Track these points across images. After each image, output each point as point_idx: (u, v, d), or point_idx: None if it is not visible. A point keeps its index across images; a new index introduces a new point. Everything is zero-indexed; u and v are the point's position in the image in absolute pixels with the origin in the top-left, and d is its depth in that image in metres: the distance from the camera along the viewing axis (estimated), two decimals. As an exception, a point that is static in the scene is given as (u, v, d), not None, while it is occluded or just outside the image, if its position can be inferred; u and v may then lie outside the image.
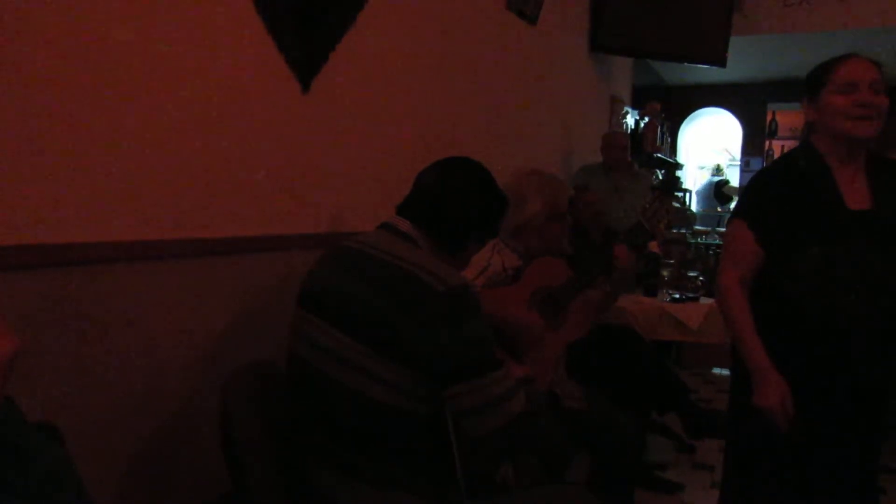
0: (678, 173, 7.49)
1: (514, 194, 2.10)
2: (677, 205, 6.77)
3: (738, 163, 8.08)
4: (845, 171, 1.69)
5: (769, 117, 7.68)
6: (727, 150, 8.44)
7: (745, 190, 1.84)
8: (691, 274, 3.77)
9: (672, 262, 3.94)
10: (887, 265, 1.62)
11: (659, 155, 6.22)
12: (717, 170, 8.14)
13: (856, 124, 1.63)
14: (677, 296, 3.39)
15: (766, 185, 1.76)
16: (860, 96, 1.62)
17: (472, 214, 1.47)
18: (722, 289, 1.74)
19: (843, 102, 1.64)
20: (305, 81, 1.88)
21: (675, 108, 7.83)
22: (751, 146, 7.92)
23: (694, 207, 7.78)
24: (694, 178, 8.43)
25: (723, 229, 6.85)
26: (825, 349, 1.65)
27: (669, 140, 7.08)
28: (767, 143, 7.69)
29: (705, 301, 3.35)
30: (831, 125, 1.67)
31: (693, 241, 5.98)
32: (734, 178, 8.05)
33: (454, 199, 1.45)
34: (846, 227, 1.64)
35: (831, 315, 1.62)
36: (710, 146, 8.51)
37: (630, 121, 5.75)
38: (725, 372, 4.73)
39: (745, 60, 6.20)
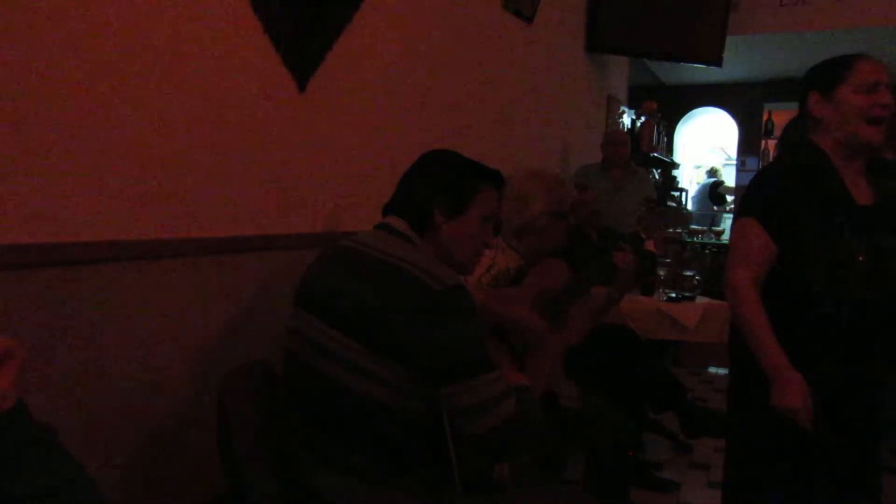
0: (674, 172, 7.50)
1: (518, 194, 2.13)
2: (673, 204, 6.79)
3: (735, 162, 8.10)
4: (849, 169, 1.69)
5: (765, 117, 7.70)
6: (723, 150, 8.46)
7: (750, 188, 1.79)
8: (687, 273, 3.77)
9: (668, 261, 3.94)
10: None
11: (655, 154, 6.23)
12: (713, 172, 8.13)
13: (869, 129, 1.62)
14: (674, 295, 3.40)
15: (774, 183, 1.73)
16: (882, 97, 1.61)
17: (431, 182, 1.45)
18: (734, 288, 1.70)
19: (864, 103, 1.62)
20: (302, 81, 1.88)
21: (672, 107, 7.83)
22: (747, 145, 7.94)
23: (690, 207, 7.80)
24: (690, 177, 8.45)
25: (718, 228, 6.89)
26: (839, 343, 1.64)
27: (666, 139, 7.09)
28: (763, 142, 7.70)
29: (702, 300, 3.36)
30: (845, 125, 1.65)
31: (689, 240, 5.99)
32: (730, 177, 8.07)
33: (416, 176, 1.48)
34: (858, 222, 1.64)
35: (847, 308, 1.62)
36: (706, 145, 8.53)
37: (626, 120, 5.76)
38: (722, 371, 4.75)
39: (741, 60, 6.21)
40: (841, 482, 1.71)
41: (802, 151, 1.73)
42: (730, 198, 7.72)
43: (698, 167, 8.49)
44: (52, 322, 1.29)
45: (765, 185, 1.75)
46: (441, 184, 1.43)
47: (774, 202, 1.69)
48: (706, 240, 6.40)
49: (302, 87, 1.89)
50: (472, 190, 1.45)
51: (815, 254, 1.63)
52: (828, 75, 1.69)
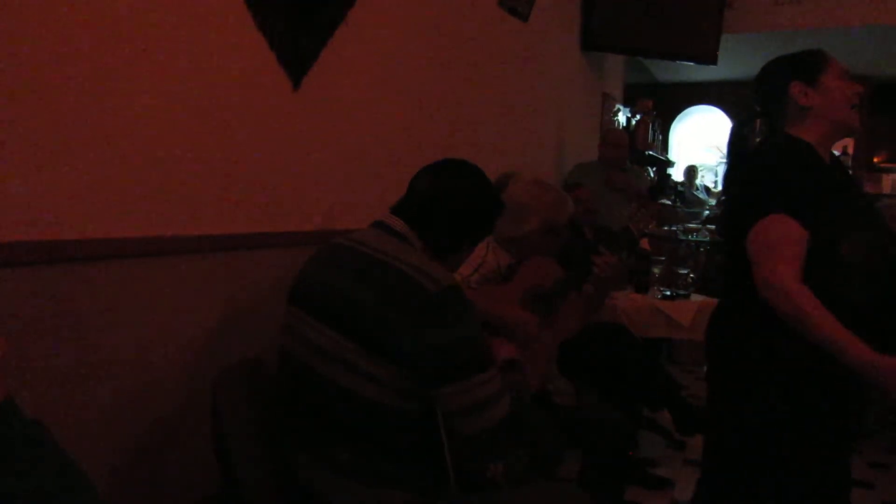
0: (669, 170, 7.52)
1: (515, 207, 2.05)
2: (667, 202, 6.80)
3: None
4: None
5: (760, 115, 7.71)
6: (718, 148, 8.47)
7: (760, 185, 1.63)
8: (682, 271, 3.79)
9: (663, 259, 3.95)
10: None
11: (650, 152, 6.25)
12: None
13: (853, 113, 1.63)
14: (668, 293, 3.41)
15: (790, 175, 1.61)
16: (855, 85, 1.63)
17: (467, 219, 1.47)
18: (785, 289, 1.50)
19: (849, 89, 1.63)
20: (296, 78, 1.88)
21: (667, 105, 7.85)
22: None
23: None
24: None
25: (713, 227, 6.89)
26: (872, 340, 1.52)
27: (661, 137, 7.11)
28: (759, 140, 7.71)
29: (696, 298, 3.36)
30: (835, 112, 1.63)
31: (684, 237, 6.00)
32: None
33: (448, 204, 1.44)
34: (863, 213, 1.62)
35: (878, 303, 1.56)
36: (701, 143, 8.55)
37: (622, 118, 5.76)
38: (716, 368, 4.76)
39: (736, 58, 6.21)
40: (823, 477, 1.71)
41: (786, 146, 1.66)
42: None
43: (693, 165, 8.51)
44: (46, 320, 1.28)
45: (779, 178, 1.62)
46: (476, 223, 1.51)
47: (797, 194, 1.57)
48: (701, 237, 6.41)
49: (296, 84, 1.88)
50: (491, 228, 1.57)
51: (844, 249, 1.55)
52: (808, 65, 1.68)
